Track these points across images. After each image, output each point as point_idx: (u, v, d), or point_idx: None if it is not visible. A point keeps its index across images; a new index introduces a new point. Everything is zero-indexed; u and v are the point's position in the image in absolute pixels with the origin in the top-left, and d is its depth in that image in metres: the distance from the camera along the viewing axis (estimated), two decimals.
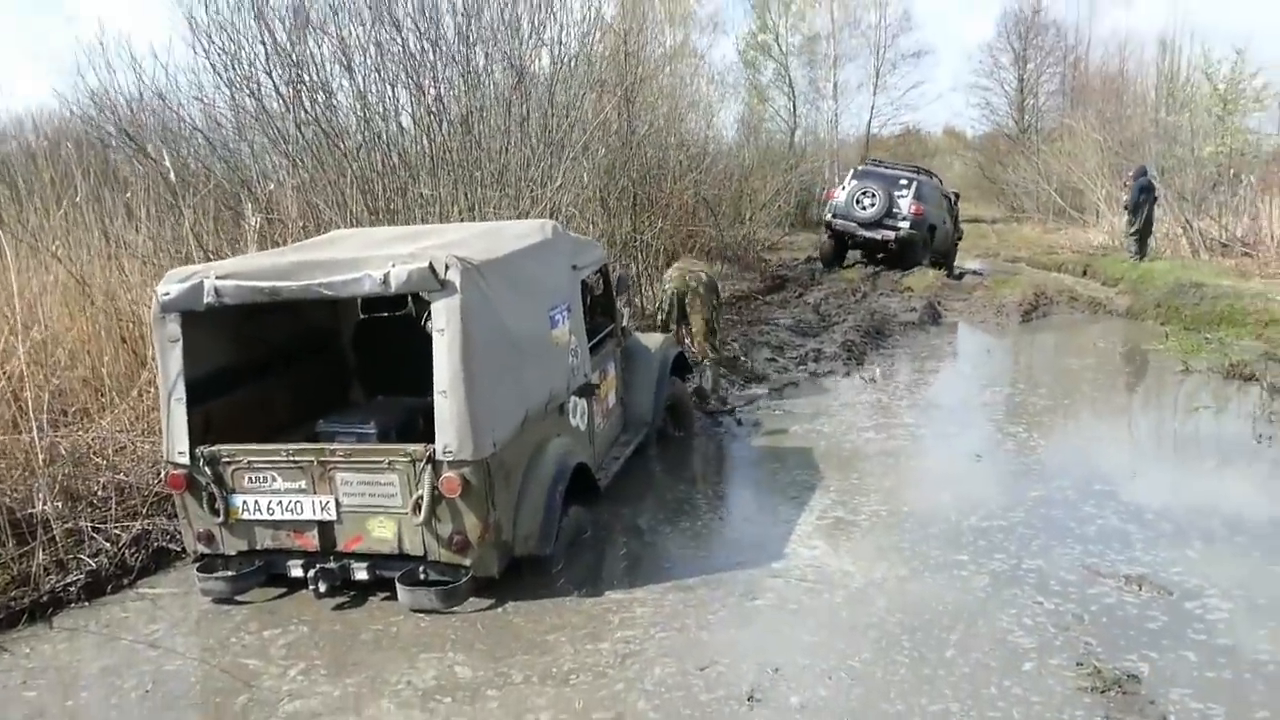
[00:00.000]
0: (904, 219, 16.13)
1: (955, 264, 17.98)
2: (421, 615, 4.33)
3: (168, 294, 4.41)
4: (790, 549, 4.94)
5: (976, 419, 7.66)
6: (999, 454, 6.62)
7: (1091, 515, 5.26)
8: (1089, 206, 23.91)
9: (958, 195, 20.44)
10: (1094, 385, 8.92)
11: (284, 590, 4.68)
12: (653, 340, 6.89)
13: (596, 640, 4.05)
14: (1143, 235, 16.28)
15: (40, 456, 5.40)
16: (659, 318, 8.24)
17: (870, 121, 38.36)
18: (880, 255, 16.99)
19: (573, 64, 10.64)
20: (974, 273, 17.28)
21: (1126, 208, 16.53)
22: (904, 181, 16.65)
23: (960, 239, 19.51)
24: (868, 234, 16.25)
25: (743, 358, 9.39)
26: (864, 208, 16.27)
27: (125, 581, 5.01)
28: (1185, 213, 17.55)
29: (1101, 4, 59.00)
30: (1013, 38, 40.98)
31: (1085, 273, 17.13)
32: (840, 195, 16.79)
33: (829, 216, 16.92)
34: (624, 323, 6.58)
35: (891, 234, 16.11)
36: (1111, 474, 6.03)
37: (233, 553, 4.60)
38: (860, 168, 17.57)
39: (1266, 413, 7.28)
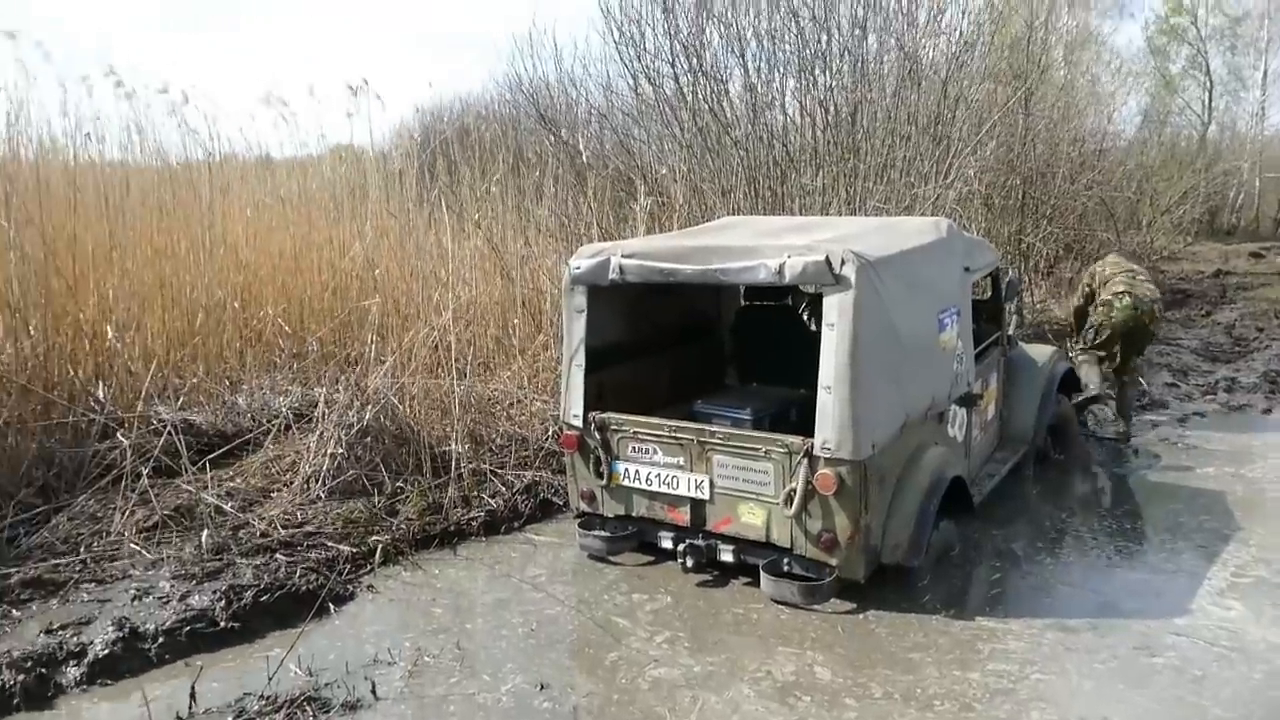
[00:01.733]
0: None
1: None
2: (781, 607, 4.35)
3: (579, 268, 4.77)
4: (1197, 605, 4.35)
5: None
6: None
7: None
8: None
9: None
10: None
11: (652, 559, 4.92)
12: (1040, 352, 6.39)
13: (965, 668, 3.83)
14: None
15: (457, 401, 6.09)
16: (1091, 338, 7.22)
17: None
18: None
19: (970, 51, 10.11)
20: None
21: None
22: None
23: None
24: None
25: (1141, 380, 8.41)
26: None
27: (515, 525, 5.55)
28: None
29: None
30: None
31: None
32: None
33: None
34: (1011, 330, 6.17)
35: None
36: None
37: (610, 515, 4.90)
38: None
39: None
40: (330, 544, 5.05)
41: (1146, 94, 29.29)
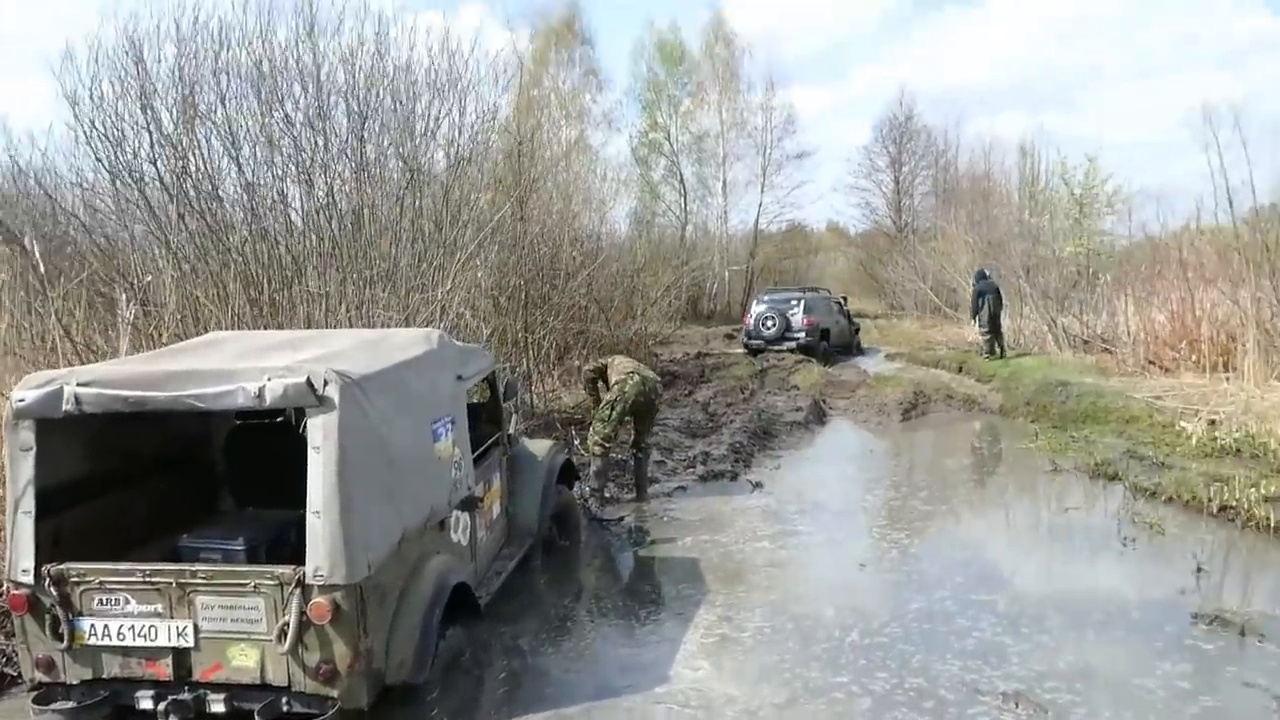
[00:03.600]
0: (800, 330, 20.65)
1: (861, 347, 23.98)
2: None
3: (23, 400, 4.15)
4: (675, 671, 4.86)
5: (861, 524, 7.80)
6: (882, 563, 6.73)
7: (968, 628, 5.36)
8: (963, 304, 25.18)
9: (845, 298, 26.45)
10: (970, 487, 9.23)
11: None
12: (540, 447, 6.81)
13: None
14: (991, 333, 17.85)
15: None
16: (608, 414, 8.14)
17: (758, 219, 39.64)
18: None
19: (467, 163, 10.70)
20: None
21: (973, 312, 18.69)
22: (794, 301, 21.28)
23: (858, 330, 24.77)
24: (776, 348, 20.39)
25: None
26: (768, 328, 20.73)
27: None
28: (1050, 310, 18.68)
29: (967, 111, 63.14)
30: (888, 142, 43.27)
31: (961, 369, 17.93)
32: (751, 321, 21.35)
33: (745, 339, 21.37)
34: (511, 429, 6.50)
35: (793, 343, 20.42)
36: (988, 582, 6.18)
37: (75, 681, 4.24)
38: (762, 297, 22.47)
39: (1130, 514, 7.62)
40: None
41: (635, 198, 33.33)
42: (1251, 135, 12.65)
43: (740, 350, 21.68)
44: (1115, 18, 73.78)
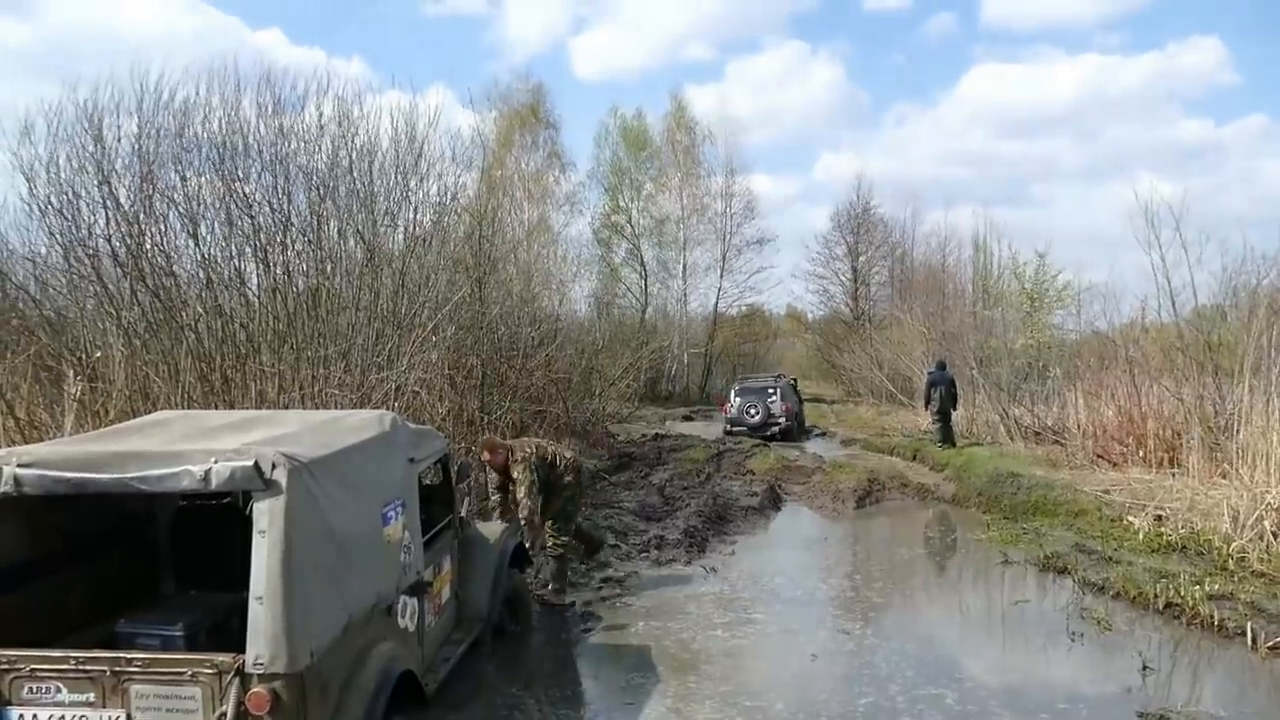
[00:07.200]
0: (780, 416, 22.62)
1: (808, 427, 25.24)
2: None
3: None
4: None
5: (815, 614, 7.75)
6: (836, 654, 6.68)
7: None
8: (917, 392, 25.56)
9: (796, 380, 28.15)
10: (924, 578, 9.26)
11: None
12: (492, 530, 6.73)
13: None
14: (941, 423, 18.01)
15: None
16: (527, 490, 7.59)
17: (717, 302, 40.07)
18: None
19: (427, 243, 10.79)
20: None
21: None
22: (770, 390, 23.25)
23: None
24: (759, 434, 21.96)
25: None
26: (751, 415, 22.59)
27: None
28: (1002, 401, 18.96)
29: (923, 203, 64.73)
30: (846, 232, 44.09)
31: (915, 457, 18.08)
32: (732, 410, 23.21)
33: (727, 426, 23.02)
34: (463, 512, 6.43)
35: (776, 428, 22.32)
36: (939, 676, 6.14)
37: None
38: (738, 386, 24.47)
39: (1078, 608, 7.67)
40: None
41: (596, 279, 33.69)
42: (1191, 236, 13.11)
43: (691, 427, 23.23)
44: (1066, 117, 77.05)
